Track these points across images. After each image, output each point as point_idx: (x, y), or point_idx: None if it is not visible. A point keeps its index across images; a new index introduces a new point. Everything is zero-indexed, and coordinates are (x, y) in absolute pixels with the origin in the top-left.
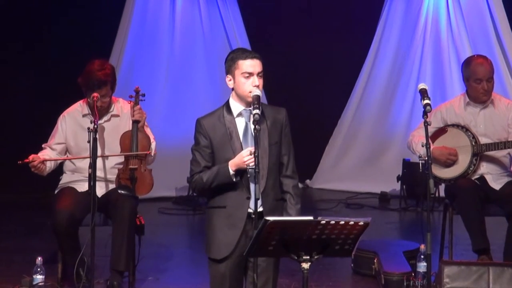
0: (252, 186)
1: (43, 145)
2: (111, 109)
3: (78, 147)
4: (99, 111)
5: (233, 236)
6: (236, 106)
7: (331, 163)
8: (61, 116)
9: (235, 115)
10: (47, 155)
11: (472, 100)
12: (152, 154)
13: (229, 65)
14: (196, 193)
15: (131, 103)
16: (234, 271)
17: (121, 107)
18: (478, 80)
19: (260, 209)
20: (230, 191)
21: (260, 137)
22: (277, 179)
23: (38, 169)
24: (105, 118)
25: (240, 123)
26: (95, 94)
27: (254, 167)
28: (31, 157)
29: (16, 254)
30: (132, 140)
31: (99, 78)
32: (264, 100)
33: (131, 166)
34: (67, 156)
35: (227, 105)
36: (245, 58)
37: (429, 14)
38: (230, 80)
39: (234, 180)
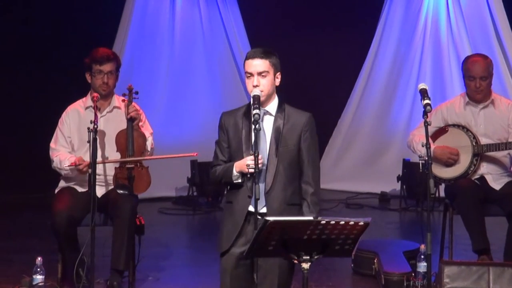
0: (254, 185)
1: (51, 145)
2: (112, 100)
3: (80, 141)
4: (103, 95)
5: (233, 233)
6: None
7: (331, 163)
8: (64, 112)
9: (253, 113)
10: (68, 157)
11: (470, 99)
12: (149, 150)
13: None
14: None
15: (125, 101)
16: (237, 270)
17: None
18: (471, 78)
19: (264, 210)
20: (238, 188)
21: (263, 138)
22: (292, 183)
23: (83, 173)
24: (108, 109)
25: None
26: (95, 94)
27: (253, 171)
28: (77, 160)
29: (16, 254)
30: (128, 140)
31: (105, 52)
32: None
33: (127, 165)
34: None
35: (248, 104)
36: (248, 58)
37: (429, 14)
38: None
39: (234, 181)
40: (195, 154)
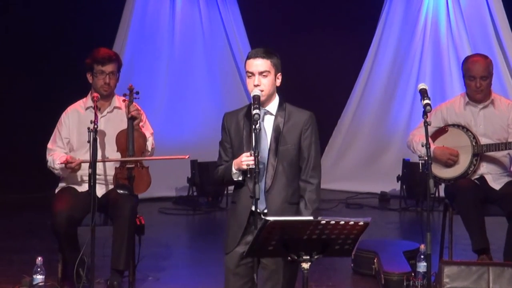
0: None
1: (48, 146)
2: (113, 100)
3: (80, 142)
4: (105, 96)
5: (238, 233)
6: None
7: (331, 163)
8: (64, 113)
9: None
10: (60, 155)
11: (470, 99)
12: (150, 150)
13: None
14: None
15: (126, 101)
16: (239, 268)
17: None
18: (471, 77)
19: (265, 210)
20: (241, 188)
21: (264, 137)
22: (293, 182)
23: (74, 171)
24: (108, 109)
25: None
26: (95, 94)
27: (253, 167)
28: (68, 157)
29: (16, 254)
30: (128, 139)
31: (106, 52)
32: None
33: (128, 165)
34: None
35: (250, 104)
36: (249, 57)
37: (428, 14)
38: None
39: (234, 179)
40: (186, 157)
